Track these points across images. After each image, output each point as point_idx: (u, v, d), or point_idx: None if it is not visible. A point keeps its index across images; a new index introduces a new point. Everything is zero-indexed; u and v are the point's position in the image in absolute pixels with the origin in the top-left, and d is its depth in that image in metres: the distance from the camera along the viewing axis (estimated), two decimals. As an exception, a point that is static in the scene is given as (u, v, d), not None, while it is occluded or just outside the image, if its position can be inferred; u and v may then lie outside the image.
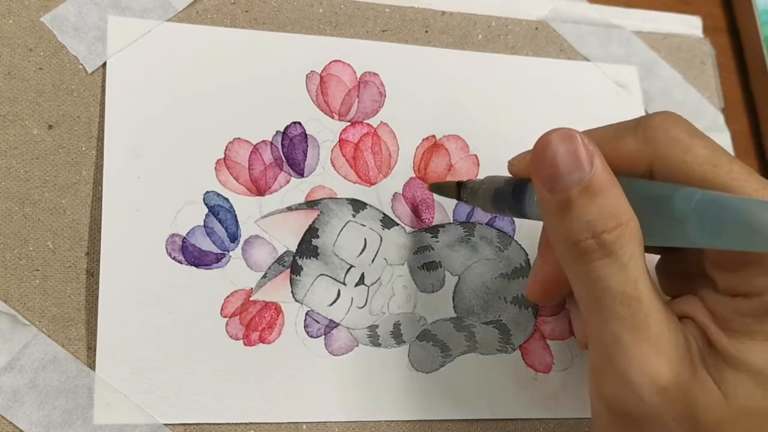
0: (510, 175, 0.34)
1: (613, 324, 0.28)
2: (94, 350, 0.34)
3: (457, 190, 0.37)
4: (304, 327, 0.37)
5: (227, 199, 0.37)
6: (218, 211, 0.37)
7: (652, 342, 0.28)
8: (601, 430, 0.30)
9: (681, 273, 0.33)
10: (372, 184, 0.39)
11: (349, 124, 0.39)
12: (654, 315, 0.28)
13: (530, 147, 0.38)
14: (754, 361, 0.28)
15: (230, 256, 0.37)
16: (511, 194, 0.33)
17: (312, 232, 0.38)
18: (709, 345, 0.29)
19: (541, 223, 0.34)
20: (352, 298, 0.38)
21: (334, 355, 0.37)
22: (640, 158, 0.30)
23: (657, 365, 0.27)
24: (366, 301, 0.38)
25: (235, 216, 0.37)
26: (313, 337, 0.37)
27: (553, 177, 0.29)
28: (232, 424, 0.35)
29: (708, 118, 0.46)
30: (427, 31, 0.42)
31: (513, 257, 0.40)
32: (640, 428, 0.28)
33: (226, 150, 0.37)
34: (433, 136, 0.40)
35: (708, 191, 0.28)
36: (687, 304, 0.30)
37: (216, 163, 0.37)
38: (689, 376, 0.28)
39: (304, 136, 0.39)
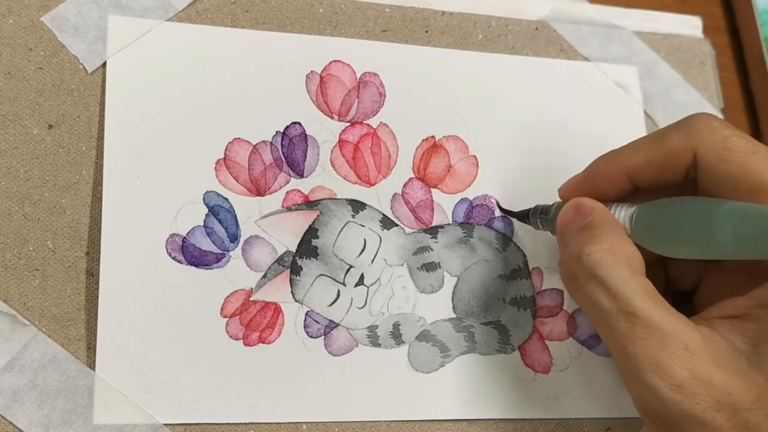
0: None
1: (618, 338, 0.31)
2: (94, 350, 0.34)
3: (527, 216, 0.38)
4: (304, 327, 0.37)
5: (227, 199, 0.37)
6: (218, 211, 0.37)
7: (658, 347, 0.30)
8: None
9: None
10: (371, 185, 0.39)
11: (348, 124, 0.39)
12: (656, 323, 0.30)
13: (529, 147, 0.40)
14: None
15: (230, 256, 0.37)
16: None
17: (312, 232, 0.38)
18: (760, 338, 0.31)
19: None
20: (351, 299, 0.38)
21: (333, 355, 0.37)
22: (685, 151, 0.33)
23: (668, 366, 0.30)
24: (365, 301, 0.38)
25: (235, 216, 0.37)
26: (313, 338, 0.37)
27: (564, 233, 0.34)
28: (232, 424, 0.35)
29: (708, 119, 0.46)
30: (427, 31, 0.42)
31: (511, 258, 0.40)
32: (679, 427, 0.30)
33: (226, 150, 0.37)
34: (433, 136, 0.40)
35: (741, 204, 0.30)
36: (738, 303, 0.33)
37: (216, 163, 0.37)
38: (712, 369, 0.30)
39: (304, 136, 0.39)
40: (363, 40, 0.41)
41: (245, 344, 0.36)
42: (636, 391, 0.31)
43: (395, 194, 0.39)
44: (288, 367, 0.36)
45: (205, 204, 0.37)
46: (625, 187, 0.35)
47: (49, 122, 0.36)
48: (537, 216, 0.38)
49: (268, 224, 0.37)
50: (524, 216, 0.39)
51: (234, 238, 0.37)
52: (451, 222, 0.40)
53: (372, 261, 0.38)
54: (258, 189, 0.38)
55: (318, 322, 0.37)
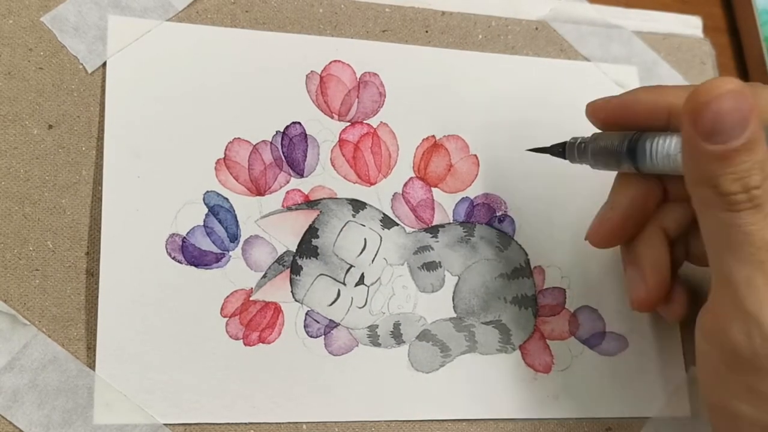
0: (618, 132, 0.36)
1: (748, 267, 0.30)
2: (94, 350, 0.34)
3: (562, 149, 0.38)
4: (304, 327, 0.37)
5: (227, 199, 0.37)
6: (218, 210, 0.37)
7: None
8: (709, 375, 0.32)
9: None
10: (372, 184, 0.39)
11: (348, 124, 0.39)
12: None
13: (529, 147, 0.39)
14: None
15: (230, 256, 0.37)
16: (626, 149, 0.35)
17: (312, 232, 0.38)
18: None
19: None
20: (352, 298, 0.38)
21: (334, 355, 0.37)
22: None
23: None
24: (366, 301, 0.38)
25: (235, 216, 0.37)
26: (313, 337, 0.37)
27: (716, 131, 0.29)
28: (232, 424, 0.35)
29: (708, 118, 0.45)
30: (427, 31, 0.42)
31: (513, 257, 0.40)
32: (757, 372, 0.30)
33: (226, 150, 0.37)
34: (433, 136, 0.40)
35: None
36: None
37: (216, 163, 0.37)
38: None
39: (304, 136, 0.39)
40: (363, 40, 0.41)
41: (245, 344, 0.36)
42: (737, 324, 0.30)
43: (395, 194, 0.39)
44: (288, 367, 0.36)
45: (205, 204, 0.37)
46: (660, 124, 0.35)
47: (49, 122, 0.36)
48: (575, 147, 0.37)
49: (268, 224, 0.37)
50: (559, 149, 0.38)
51: (234, 237, 0.37)
52: (451, 221, 0.40)
53: (372, 260, 0.38)
54: (258, 189, 0.38)
55: (318, 322, 0.37)
